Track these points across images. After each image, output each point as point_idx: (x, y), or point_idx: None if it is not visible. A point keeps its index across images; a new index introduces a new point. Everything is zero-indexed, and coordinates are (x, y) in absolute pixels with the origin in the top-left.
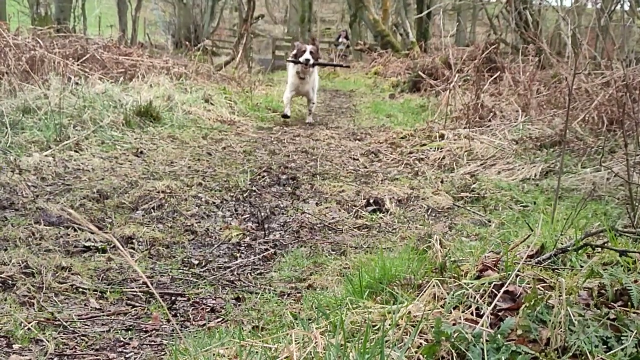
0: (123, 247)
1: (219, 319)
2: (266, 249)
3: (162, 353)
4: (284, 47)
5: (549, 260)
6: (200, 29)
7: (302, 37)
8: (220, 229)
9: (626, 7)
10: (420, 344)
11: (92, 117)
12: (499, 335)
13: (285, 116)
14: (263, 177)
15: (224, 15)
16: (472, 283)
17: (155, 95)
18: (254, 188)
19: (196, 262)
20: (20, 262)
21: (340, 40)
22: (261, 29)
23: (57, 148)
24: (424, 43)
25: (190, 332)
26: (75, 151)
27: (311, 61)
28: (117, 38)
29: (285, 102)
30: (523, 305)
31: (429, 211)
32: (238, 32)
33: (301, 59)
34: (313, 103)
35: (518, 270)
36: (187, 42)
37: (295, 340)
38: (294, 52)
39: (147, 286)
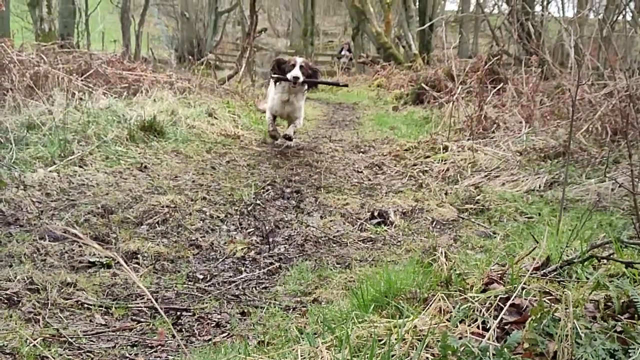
0: (127, 263)
1: (224, 334)
2: (271, 263)
3: None
4: None
5: (555, 273)
6: (203, 43)
7: (305, 50)
8: (225, 243)
9: (628, 18)
10: (427, 358)
11: (96, 132)
12: (505, 349)
13: (274, 137)
14: (267, 190)
15: (227, 29)
16: (478, 296)
17: (159, 110)
18: (258, 202)
19: (201, 276)
20: (25, 278)
21: (342, 52)
22: (264, 43)
23: (62, 163)
24: (426, 55)
25: (195, 347)
26: (80, 166)
27: (301, 79)
28: (121, 53)
29: (269, 127)
30: (529, 319)
31: (434, 223)
32: (241, 46)
33: (289, 76)
34: (299, 120)
35: (524, 283)
36: (190, 57)
37: (301, 355)
38: (276, 64)
39: (152, 302)
